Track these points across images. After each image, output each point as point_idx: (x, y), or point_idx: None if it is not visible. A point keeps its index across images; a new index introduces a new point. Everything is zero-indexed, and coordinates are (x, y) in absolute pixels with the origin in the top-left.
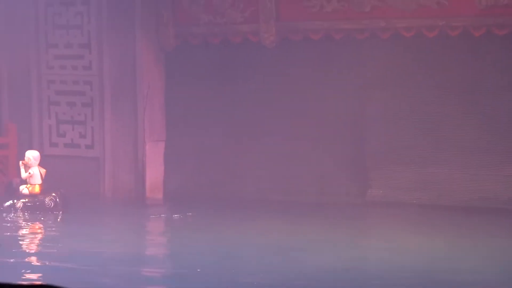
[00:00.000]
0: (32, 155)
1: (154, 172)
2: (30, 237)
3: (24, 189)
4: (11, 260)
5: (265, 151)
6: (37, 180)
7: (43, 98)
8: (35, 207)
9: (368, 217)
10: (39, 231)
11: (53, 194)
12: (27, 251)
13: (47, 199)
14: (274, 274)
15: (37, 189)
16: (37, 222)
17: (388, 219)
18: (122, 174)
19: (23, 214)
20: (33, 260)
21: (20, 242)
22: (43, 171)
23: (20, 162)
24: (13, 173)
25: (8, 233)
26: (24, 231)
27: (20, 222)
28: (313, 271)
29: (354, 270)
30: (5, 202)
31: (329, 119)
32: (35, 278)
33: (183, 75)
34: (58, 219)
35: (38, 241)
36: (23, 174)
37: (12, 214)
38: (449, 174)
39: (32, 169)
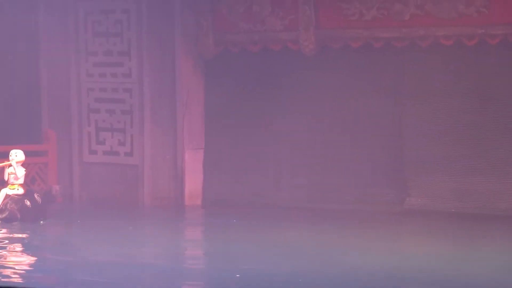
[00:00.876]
0: (22, 153)
1: (193, 179)
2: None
3: (19, 189)
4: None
5: (303, 159)
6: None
7: (83, 106)
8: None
9: (405, 225)
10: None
11: (36, 192)
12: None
13: (35, 196)
14: (310, 277)
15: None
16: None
17: (425, 228)
18: (161, 182)
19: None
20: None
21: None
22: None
23: (15, 161)
24: (52, 180)
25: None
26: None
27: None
28: (351, 275)
29: (388, 277)
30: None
31: (368, 127)
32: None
33: (222, 83)
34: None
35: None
36: (21, 173)
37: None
38: (488, 183)
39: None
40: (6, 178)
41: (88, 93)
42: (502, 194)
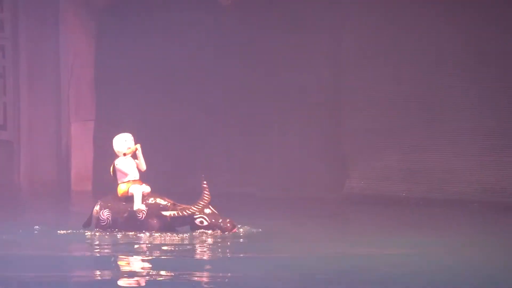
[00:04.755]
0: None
1: (82, 158)
2: None
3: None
4: None
5: (215, 134)
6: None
7: None
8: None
9: (338, 214)
10: None
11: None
12: None
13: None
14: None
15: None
16: None
17: (366, 218)
18: (41, 161)
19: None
20: None
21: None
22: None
23: (138, 145)
24: None
25: None
26: None
27: None
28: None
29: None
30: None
31: (300, 93)
32: None
33: (116, 41)
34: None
35: None
36: (143, 165)
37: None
38: (443, 162)
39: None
40: (126, 171)
41: None
42: (460, 174)
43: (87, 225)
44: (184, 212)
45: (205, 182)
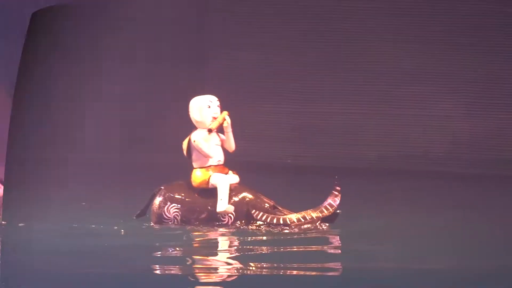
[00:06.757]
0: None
1: None
2: None
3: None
4: None
5: None
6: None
7: None
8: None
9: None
10: None
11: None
12: None
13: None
14: None
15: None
16: None
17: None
18: None
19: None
20: None
21: None
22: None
23: (226, 113)
24: None
25: None
26: None
27: None
28: None
29: None
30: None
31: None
32: None
33: None
34: None
35: None
36: (232, 143)
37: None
38: (346, 117)
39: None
40: (208, 152)
41: None
42: (361, 135)
43: (140, 216)
44: (275, 221)
45: (338, 187)
